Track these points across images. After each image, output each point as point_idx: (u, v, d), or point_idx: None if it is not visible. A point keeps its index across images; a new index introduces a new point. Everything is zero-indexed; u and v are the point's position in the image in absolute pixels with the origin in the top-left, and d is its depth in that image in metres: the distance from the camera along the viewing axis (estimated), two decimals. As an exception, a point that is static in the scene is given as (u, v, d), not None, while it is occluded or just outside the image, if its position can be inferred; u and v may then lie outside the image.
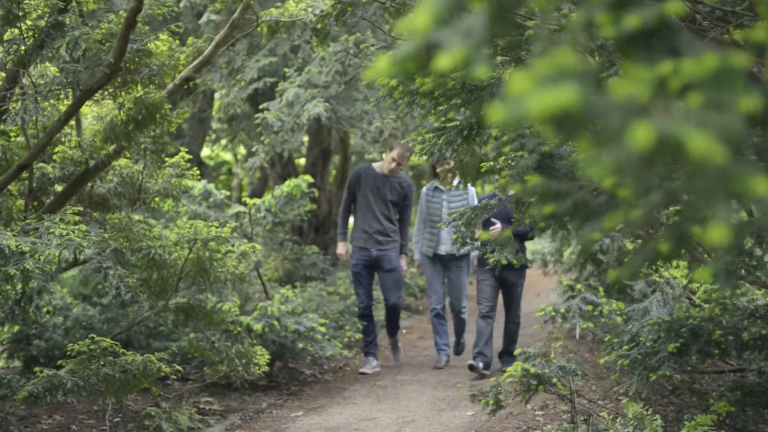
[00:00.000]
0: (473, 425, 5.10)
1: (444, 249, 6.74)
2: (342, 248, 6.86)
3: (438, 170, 6.46)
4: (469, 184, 5.89)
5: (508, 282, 6.49)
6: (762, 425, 4.23)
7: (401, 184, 6.65)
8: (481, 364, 6.37)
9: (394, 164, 6.55)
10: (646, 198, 0.69)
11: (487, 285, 6.49)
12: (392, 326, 6.87)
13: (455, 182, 6.40)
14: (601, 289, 5.72)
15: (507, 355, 6.61)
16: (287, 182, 7.82)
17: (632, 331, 4.68)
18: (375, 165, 6.74)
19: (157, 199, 5.85)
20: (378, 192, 6.56)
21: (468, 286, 6.94)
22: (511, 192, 3.02)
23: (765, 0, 0.86)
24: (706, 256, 1.84)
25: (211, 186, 8.74)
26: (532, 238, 6.28)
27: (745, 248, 1.59)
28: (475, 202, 6.61)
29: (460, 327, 7.05)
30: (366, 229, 6.56)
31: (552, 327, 5.49)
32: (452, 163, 5.75)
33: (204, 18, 9.14)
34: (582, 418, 4.33)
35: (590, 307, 5.43)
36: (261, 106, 8.17)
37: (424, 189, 6.93)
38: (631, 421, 3.77)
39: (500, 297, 6.76)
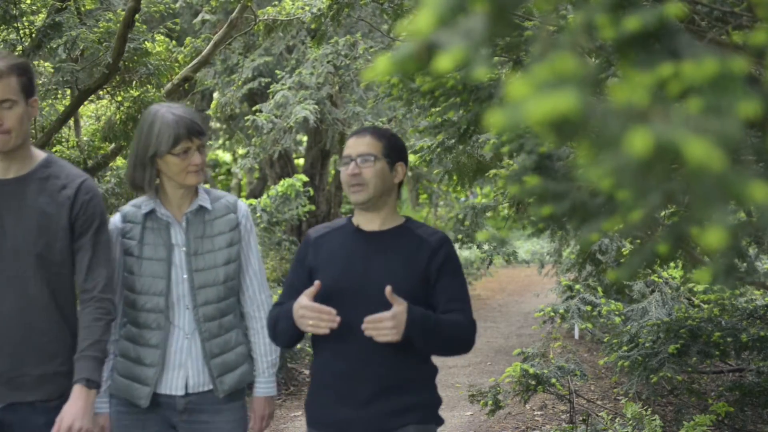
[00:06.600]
0: (472, 425, 5.10)
1: (178, 382, 2.36)
2: None
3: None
4: (236, 198, 2.53)
5: None
6: (761, 425, 4.24)
7: (54, 193, 2.24)
8: None
9: None
10: (644, 200, 0.69)
11: None
12: None
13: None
14: (599, 289, 5.72)
15: None
16: (281, 182, 7.82)
17: (631, 331, 4.69)
18: None
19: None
20: None
21: None
22: (509, 194, 2.95)
23: (764, 1, 0.86)
24: (704, 257, 1.84)
25: None
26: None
27: (743, 250, 1.59)
28: (254, 230, 2.51)
29: None
30: None
31: (551, 327, 5.49)
32: (204, 148, 2.45)
33: (199, 17, 9.16)
34: (581, 418, 4.34)
35: (589, 308, 5.43)
36: (254, 108, 8.21)
37: (115, 217, 2.47)
38: (630, 421, 3.77)
39: None
